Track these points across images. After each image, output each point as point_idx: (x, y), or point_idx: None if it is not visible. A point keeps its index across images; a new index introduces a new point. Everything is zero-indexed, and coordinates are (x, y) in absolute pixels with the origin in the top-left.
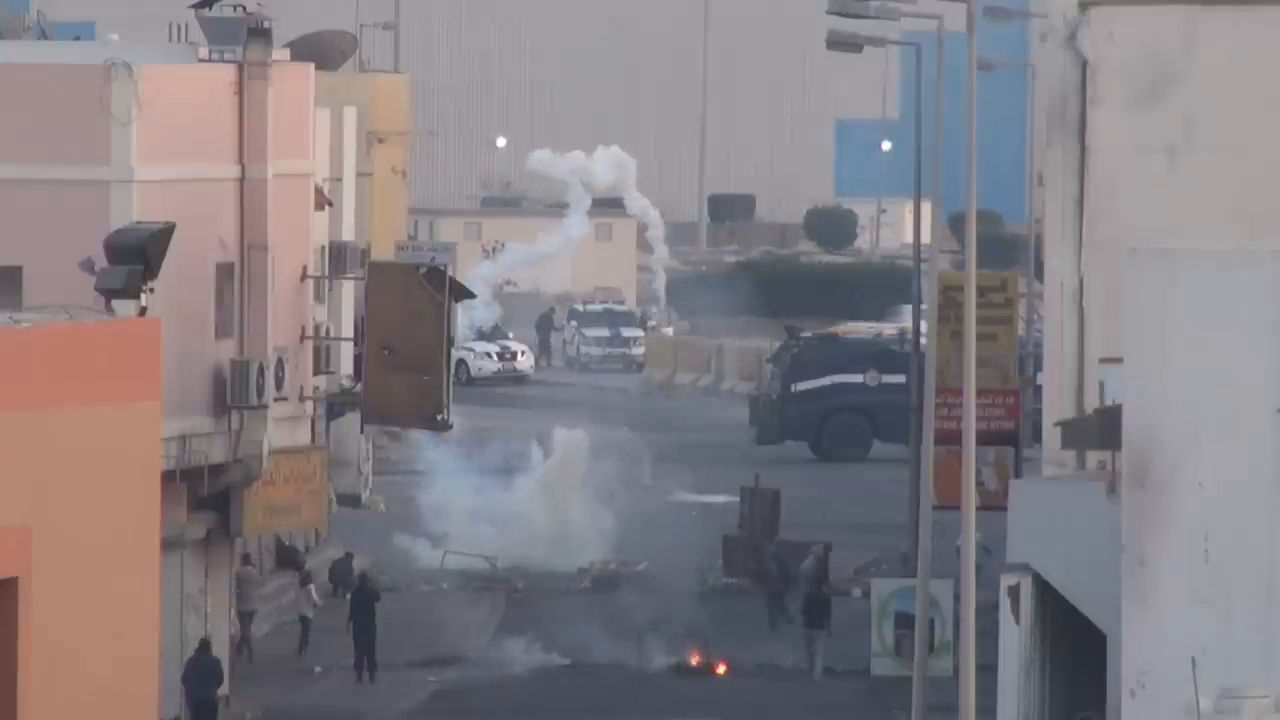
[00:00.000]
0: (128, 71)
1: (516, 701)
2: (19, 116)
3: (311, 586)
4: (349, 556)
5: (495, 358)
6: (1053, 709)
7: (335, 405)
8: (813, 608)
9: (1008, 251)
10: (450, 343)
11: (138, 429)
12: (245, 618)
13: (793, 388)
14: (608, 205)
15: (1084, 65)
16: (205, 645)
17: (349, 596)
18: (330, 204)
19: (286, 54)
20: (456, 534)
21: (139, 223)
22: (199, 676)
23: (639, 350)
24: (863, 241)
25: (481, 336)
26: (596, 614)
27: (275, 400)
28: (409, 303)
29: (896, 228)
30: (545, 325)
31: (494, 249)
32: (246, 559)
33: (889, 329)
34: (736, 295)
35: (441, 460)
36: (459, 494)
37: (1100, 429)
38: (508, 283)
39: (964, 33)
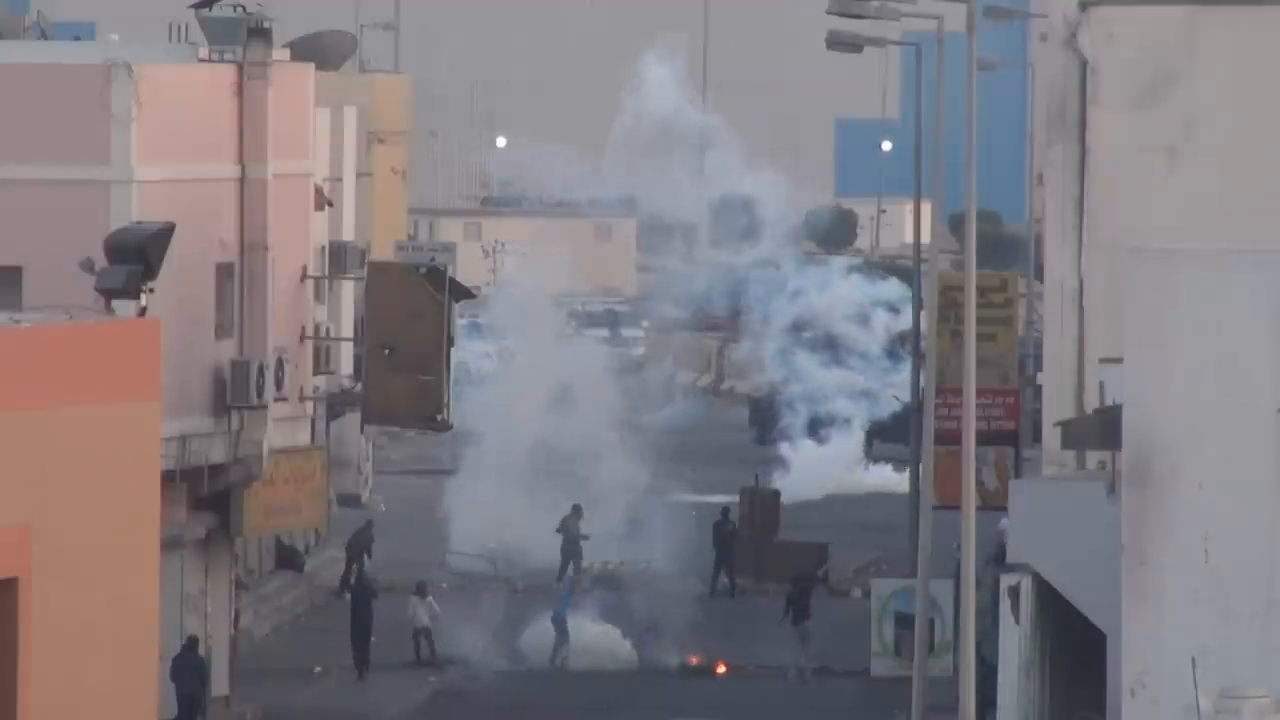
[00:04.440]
0: (128, 71)
1: (516, 701)
2: (19, 116)
3: (431, 599)
4: (370, 525)
5: (496, 358)
6: (1053, 709)
7: (335, 405)
8: (794, 606)
9: (1008, 251)
10: (450, 342)
11: (138, 429)
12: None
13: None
14: (610, 204)
15: (1084, 65)
16: (193, 643)
17: (348, 595)
18: (330, 204)
19: (286, 54)
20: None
21: (139, 223)
22: (185, 673)
23: (639, 350)
24: (863, 241)
25: None
26: (596, 614)
27: (275, 400)
28: (409, 303)
29: (896, 228)
30: None
31: (494, 249)
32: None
33: None
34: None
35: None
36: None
37: (1100, 429)
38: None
39: (964, 33)
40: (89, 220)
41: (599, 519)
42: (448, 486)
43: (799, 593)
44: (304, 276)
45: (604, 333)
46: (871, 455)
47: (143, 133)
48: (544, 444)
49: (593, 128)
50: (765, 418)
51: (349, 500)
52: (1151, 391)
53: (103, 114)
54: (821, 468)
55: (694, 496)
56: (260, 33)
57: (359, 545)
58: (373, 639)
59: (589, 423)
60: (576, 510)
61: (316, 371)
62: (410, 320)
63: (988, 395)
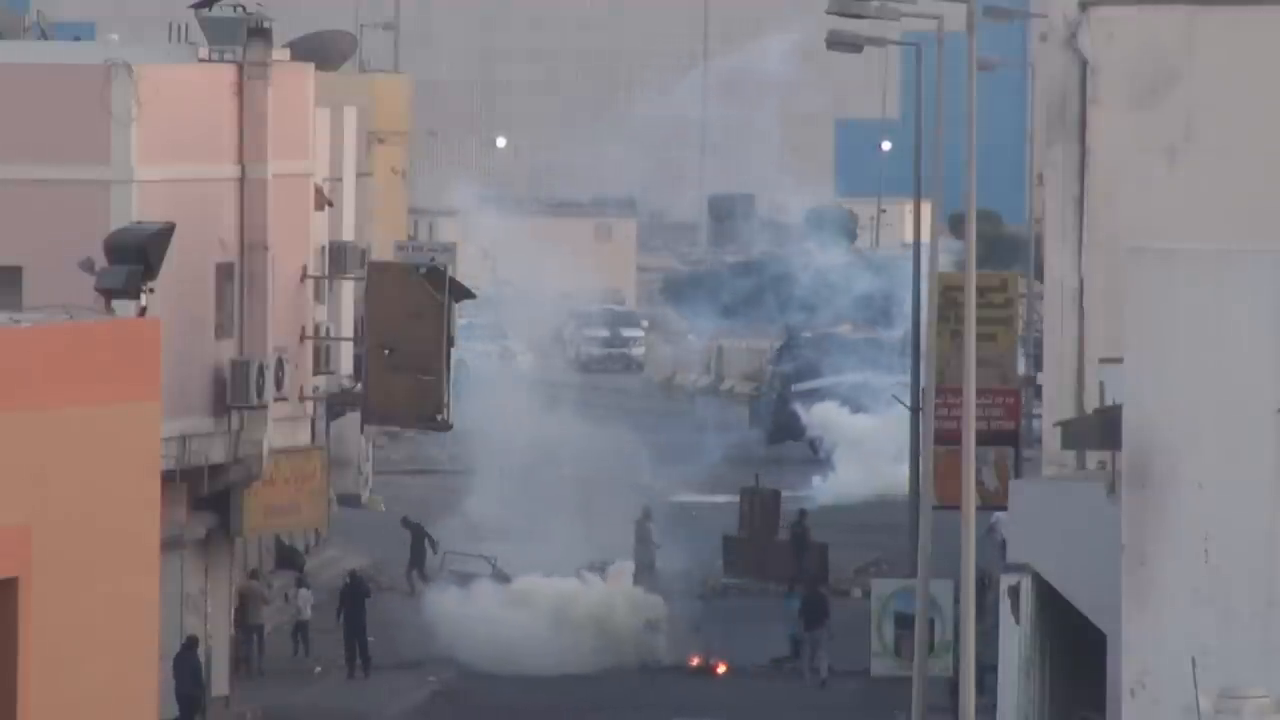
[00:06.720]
0: (128, 71)
1: (516, 701)
2: (19, 116)
3: (308, 589)
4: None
5: (496, 358)
6: (1053, 709)
7: (335, 405)
8: (810, 609)
9: (1008, 251)
10: (450, 342)
11: (138, 429)
12: (253, 631)
13: (793, 388)
14: (610, 205)
15: (1084, 65)
16: (192, 643)
17: (339, 594)
18: (330, 204)
19: (286, 54)
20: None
21: (139, 223)
22: (184, 673)
23: (639, 350)
24: (863, 241)
25: None
26: (597, 614)
27: (275, 400)
28: (409, 303)
29: (896, 228)
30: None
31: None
32: (254, 574)
33: None
34: (736, 295)
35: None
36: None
37: (1100, 429)
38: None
39: (964, 33)
40: (89, 220)
41: (601, 520)
42: (448, 486)
43: (819, 597)
44: (304, 276)
45: (604, 333)
46: None
47: (143, 133)
48: (542, 444)
49: (592, 127)
50: (775, 415)
51: (349, 500)
52: (1151, 391)
53: (103, 114)
54: (873, 441)
55: (696, 497)
56: (260, 33)
57: (419, 532)
58: (371, 639)
59: (588, 422)
60: (647, 513)
61: (316, 371)
62: (410, 320)
63: (988, 395)
